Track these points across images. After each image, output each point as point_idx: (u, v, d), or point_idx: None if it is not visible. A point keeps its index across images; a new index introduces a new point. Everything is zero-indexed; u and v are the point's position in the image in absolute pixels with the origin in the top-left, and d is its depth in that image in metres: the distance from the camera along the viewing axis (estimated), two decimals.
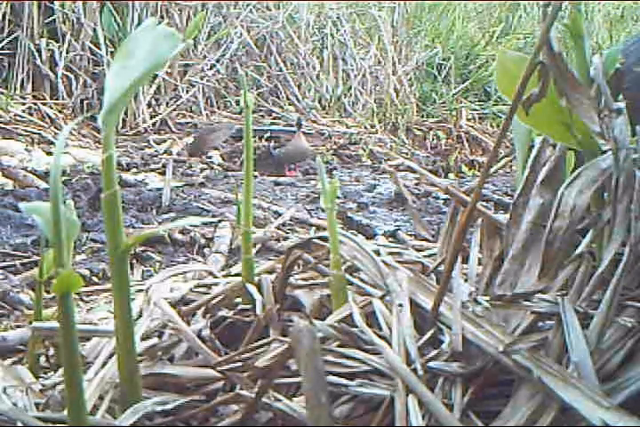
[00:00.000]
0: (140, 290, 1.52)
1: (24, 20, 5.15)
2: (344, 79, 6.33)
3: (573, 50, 1.06)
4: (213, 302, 1.32)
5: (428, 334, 1.00)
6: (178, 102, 5.58)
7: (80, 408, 0.86)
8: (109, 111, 0.88)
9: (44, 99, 5.15)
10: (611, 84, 1.01)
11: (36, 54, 5.16)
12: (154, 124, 5.38)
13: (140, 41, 0.90)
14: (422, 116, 6.37)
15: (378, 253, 1.24)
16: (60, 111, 5.11)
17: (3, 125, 4.65)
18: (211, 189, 3.69)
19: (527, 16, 7.90)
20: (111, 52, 5.20)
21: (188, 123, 5.48)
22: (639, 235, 0.91)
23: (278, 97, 6.08)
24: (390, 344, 0.98)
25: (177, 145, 4.99)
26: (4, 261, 2.35)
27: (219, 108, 5.86)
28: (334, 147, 5.36)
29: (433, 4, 7.36)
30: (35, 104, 5.04)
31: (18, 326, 1.77)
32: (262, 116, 5.80)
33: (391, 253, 1.30)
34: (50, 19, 5.25)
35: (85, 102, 5.23)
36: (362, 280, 1.21)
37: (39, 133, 4.69)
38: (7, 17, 5.12)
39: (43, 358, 1.36)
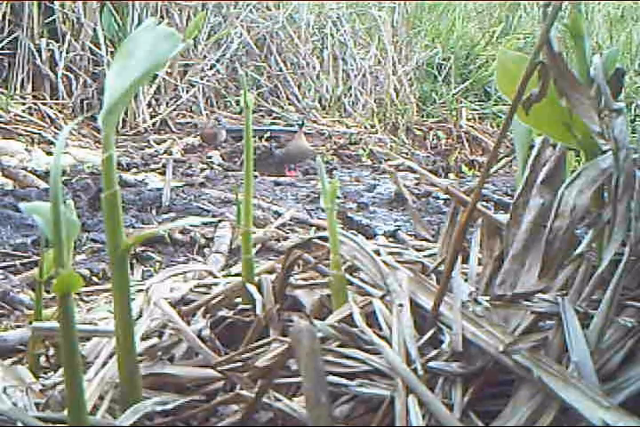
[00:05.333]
0: (140, 290, 1.52)
1: (24, 20, 5.14)
2: (344, 79, 6.33)
3: (573, 50, 1.06)
4: (213, 302, 1.32)
5: (428, 334, 1.00)
6: (178, 102, 5.58)
7: (80, 408, 0.86)
8: (109, 111, 0.89)
9: (44, 99, 5.14)
10: (611, 84, 1.01)
11: (36, 54, 5.16)
12: (154, 124, 5.38)
13: (140, 41, 0.90)
14: (422, 116, 6.37)
15: (378, 253, 1.24)
16: (60, 111, 5.11)
17: (3, 125, 4.64)
18: (211, 189, 3.69)
19: (527, 16, 7.90)
20: (111, 52, 5.20)
21: (188, 123, 5.47)
22: (639, 235, 0.91)
23: (278, 97, 6.07)
24: (390, 344, 0.98)
25: (177, 145, 4.99)
26: (4, 261, 2.35)
27: (219, 108, 5.86)
28: (334, 147, 5.36)
29: (433, 4, 7.36)
30: (35, 104, 5.04)
31: (18, 326, 1.77)
32: (262, 116, 5.80)
33: (391, 253, 1.30)
34: (50, 19, 5.25)
35: (85, 102, 5.23)
36: (362, 280, 1.21)
37: (39, 133, 4.69)
38: (7, 17, 5.12)
39: (43, 358, 1.36)
